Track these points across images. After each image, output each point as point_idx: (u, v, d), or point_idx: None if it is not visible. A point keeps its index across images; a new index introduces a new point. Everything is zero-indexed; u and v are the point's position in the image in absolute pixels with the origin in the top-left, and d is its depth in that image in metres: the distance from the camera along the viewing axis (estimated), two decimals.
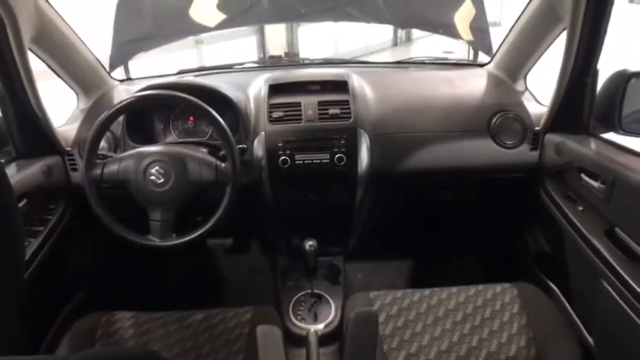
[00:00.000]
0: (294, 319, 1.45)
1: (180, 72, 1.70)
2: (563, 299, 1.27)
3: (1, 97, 1.19)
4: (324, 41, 4.93)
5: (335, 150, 1.33)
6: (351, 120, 1.34)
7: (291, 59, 2.01)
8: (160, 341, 1.10)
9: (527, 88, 1.51)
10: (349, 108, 1.36)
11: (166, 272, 1.69)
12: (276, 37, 4.03)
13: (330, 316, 1.43)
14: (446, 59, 1.77)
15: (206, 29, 1.81)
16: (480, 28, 1.67)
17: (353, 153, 1.33)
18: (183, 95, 1.16)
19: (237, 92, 1.42)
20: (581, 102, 1.24)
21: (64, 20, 1.31)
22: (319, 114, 1.35)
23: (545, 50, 1.39)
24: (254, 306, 1.17)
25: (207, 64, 2.03)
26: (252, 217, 1.55)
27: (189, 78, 1.57)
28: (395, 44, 5.67)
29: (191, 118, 1.48)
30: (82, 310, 1.24)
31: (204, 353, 1.06)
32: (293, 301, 1.49)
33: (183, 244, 1.18)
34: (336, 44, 5.09)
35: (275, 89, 1.41)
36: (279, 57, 2.47)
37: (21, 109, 1.21)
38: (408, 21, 2.02)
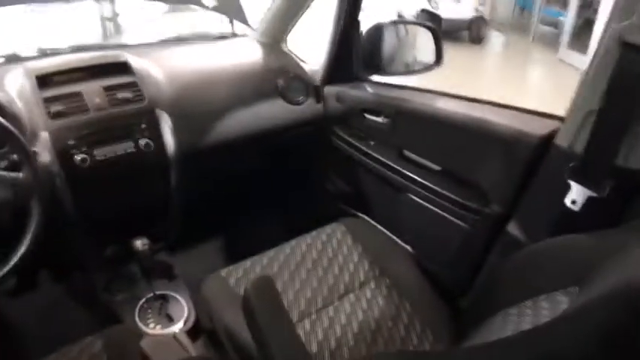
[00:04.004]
0: (149, 329, 1.32)
1: None
2: (377, 222, 1.47)
3: None
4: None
5: (138, 136, 1.22)
6: (145, 102, 1.24)
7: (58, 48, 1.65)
8: None
9: (289, 50, 1.66)
10: (140, 89, 1.25)
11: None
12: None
13: (184, 312, 1.35)
14: (208, 34, 1.76)
15: None
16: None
17: (158, 136, 1.25)
18: None
19: None
20: (350, 53, 1.45)
21: None
22: (108, 101, 1.22)
23: (302, 15, 1.55)
24: (101, 331, 1.04)
25: None
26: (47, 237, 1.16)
27: None
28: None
29: None
30: None
31: None
32: (137, 311, 1.35)
33: None
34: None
35: (43, 81, 1.21)
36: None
37: None
38: None
